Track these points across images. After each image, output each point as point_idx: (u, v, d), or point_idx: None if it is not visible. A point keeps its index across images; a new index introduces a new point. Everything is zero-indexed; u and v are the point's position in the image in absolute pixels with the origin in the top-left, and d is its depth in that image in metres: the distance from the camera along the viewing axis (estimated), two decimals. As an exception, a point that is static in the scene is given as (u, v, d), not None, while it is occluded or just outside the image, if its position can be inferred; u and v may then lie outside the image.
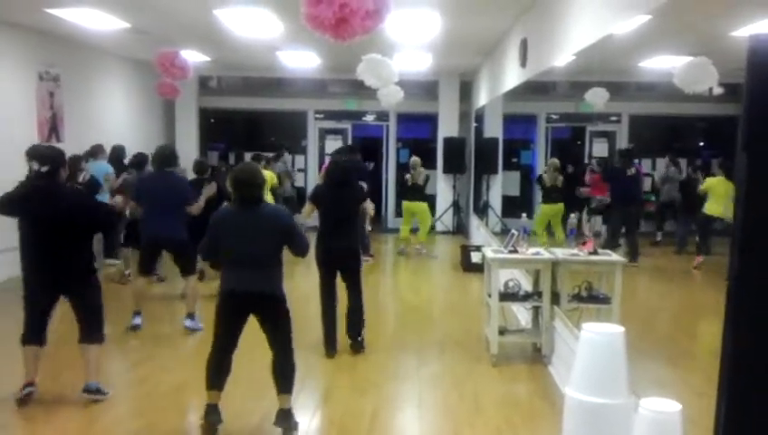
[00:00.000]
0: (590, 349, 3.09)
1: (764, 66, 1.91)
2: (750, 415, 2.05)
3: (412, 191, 11.70)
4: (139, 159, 9.26)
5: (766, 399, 2.04)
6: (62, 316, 5.54)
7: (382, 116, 15.14)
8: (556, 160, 10.58)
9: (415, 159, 11.76)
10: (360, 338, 6.27)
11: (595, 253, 5.88)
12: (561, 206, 10.07)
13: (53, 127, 10.41)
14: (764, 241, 2.01)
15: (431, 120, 14.95)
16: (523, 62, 7.94)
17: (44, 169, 4.80)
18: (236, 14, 8.13)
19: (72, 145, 10.13)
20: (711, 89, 6.33)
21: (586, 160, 11.86)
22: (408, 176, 11.79)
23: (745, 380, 2.06)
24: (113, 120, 12.32)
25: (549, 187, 10.23)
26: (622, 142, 11.51)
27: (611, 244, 8.89)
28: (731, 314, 2.05)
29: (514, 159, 14.03)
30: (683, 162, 10.59)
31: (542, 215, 10.23)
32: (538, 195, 13.17)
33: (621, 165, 10.02)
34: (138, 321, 6.87)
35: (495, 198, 12.93)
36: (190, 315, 6.92)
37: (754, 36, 1.90)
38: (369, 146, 14.98)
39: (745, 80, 1.96)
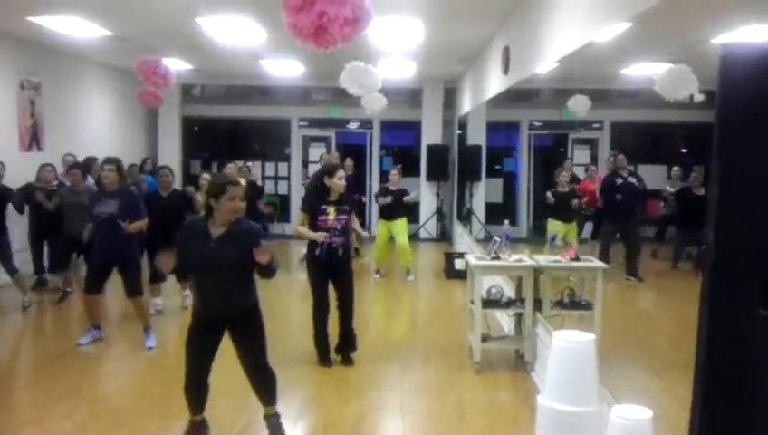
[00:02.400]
0: (560, 357, 3.09)
1: (736, 74, 1.92)
2: (721, 421, 2.06)
3: (391, 206, 10.08)
4: (84, 163, 9.10)
5: (735, 404, 2.05)
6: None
7: (366, 124, 15.16)
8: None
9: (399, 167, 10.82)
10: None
11: (577, 259, 5.91)
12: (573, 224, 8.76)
13: (34, 136, 10.33)
14: (737, 250, 2.02)
15: (415, 128, 14.98)
16: (506, 70, 7.98)
17: None
18: (219, 21, 8.11)
19: (52, 154, 10.09)
20: (692, 96, 6.36)
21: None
22: (388, 183, 10.35)
23: (717, 387, 2.07)
24: (95, 129, 12.24)
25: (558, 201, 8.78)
26: (604, 149, 11.56)
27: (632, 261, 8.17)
28: (704, 322, 2.06)
29: (497, 167, 14.07)
30: (663, 169, 10.60)
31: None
32: (521, 201, 13.29)
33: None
34: (86, 339, 6.64)
35: (479, 205, 12.96)
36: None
37: (726, 45, 1.92)
38: (353, 153, 14.97)
39: (718, 88, 1.97)
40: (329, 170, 6.05)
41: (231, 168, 9.73)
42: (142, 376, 5.97)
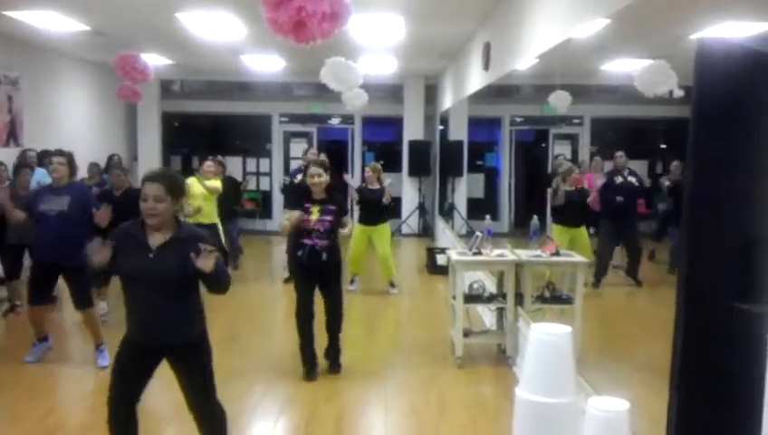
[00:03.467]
0: (537, 349, 3.11)
1: (712, 70, 1.94)
2: (697, 413, 2.09)
3: (372, 210, 8.80)
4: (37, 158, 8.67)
5: (712, 397, 2.08)
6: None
7: (347, 119, 15.14)
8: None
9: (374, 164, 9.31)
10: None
11: (557, 254, 5.95)
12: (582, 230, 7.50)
13: (12, 132, 10.22)
14: (713, 243, 2.04)
15: (396, 124, 14.98)
16: (486, 66, 8.00)
17: None
18: (199, 16, 8.06)
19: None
20: (671, 91, 6.40)
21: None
22: (365, 184, 9.01)
23: (693, 380, 2.09)
24: (74, 125, 12.12)
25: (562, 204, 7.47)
26: (585, 145, 11.63)
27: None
28: (680, 315, 2.08)
29: (479, 162, 14.12)
30: (644, 164, 10.67)
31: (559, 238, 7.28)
32: (503, 197, 13.35)
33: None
34: (33, 357, 5.92)
35: (461, 201, 12.98)
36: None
37: (702, 41, 1.93)
38: (334, 149, 14.97)
39: (694, 84, 1.98)
40: (303, 169, 5.70)
41: (210, 165, 9.18)
42: (94, 400, 4.87)
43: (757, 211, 2.02)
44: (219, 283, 3.42)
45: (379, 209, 8.77)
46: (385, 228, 8.89)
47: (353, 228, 5.86)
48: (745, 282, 2.05)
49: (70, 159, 5.92)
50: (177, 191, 3.40)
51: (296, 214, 5.51)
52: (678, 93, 6.20)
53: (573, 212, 7.35)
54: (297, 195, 5.86)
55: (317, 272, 5.65)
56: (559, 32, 5.21)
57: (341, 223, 5.68)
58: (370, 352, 6.47)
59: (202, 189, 8.58)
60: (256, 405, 5.11)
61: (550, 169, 11.05)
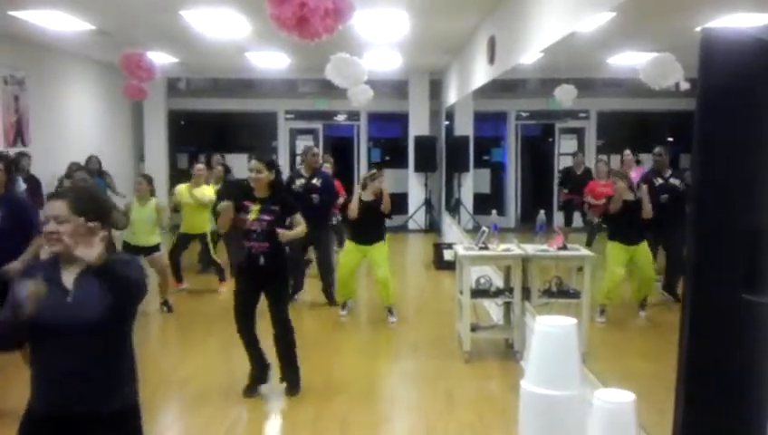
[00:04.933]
0: (543, 341, 3.11)
1: (717, 59, 1.93)
2: (705, 406, 2.08)
3: (367, 223, 7.20)
4: None
5: (719, 389, 2.07)
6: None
7: (353, 116, 15.13)
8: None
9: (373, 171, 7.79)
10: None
11: (564, 248, 5.94)
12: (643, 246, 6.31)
13: (19, 131, 10.25)
14: (720, 234, 2.03)
15: (402, 119, 14.97)
16: (491, 60, 7.99)
17: None
18: (203, 14, 8.07)
19: (37, 149, 10.03)
20: (677, 84, 6.37)
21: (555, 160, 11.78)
22: (359, 189, 7.30)
23: (701, 372, 2.09)
24: (81, 124, 12.17)
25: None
26: (591, 139, 11.59)
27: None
28: (687, 307, 2.08)
29: (485, 157, 14.10)
30: (650, 158, 10.59)
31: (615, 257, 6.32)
32: (509, 192, 13.33)
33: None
34: None
35: (467, 196, 12.98)
36: None
37: (706, 30, 1.92)
38: (340, 146, 14.97)
39: (699, 75, 1.97)
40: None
41: (200, 168, 8.65)
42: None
43: (765, 201, 2.01)
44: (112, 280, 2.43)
45: (376, 222, 7.30)
46: (382, 247, 7.38)
47: (304, 230, 5.16)
48: (753, 273, 2.04)
49: (7, 165, 5.14)
50: (85, 210, 2.48)
51: (225, 205, 5.10)
52: (684, 86, 6.15)
53: (631, 223, 6.31)
54: (238, 192, 5.27)
55: (258, 279, 5.06)
56: (564, 25, 5.20)
57: (291, 223, 5.09)
58: (378, 347, 6.47)
59: (189, 198, 8.27)
60: (264, 402, 5.12)
61: (560, 166, 10.99)
